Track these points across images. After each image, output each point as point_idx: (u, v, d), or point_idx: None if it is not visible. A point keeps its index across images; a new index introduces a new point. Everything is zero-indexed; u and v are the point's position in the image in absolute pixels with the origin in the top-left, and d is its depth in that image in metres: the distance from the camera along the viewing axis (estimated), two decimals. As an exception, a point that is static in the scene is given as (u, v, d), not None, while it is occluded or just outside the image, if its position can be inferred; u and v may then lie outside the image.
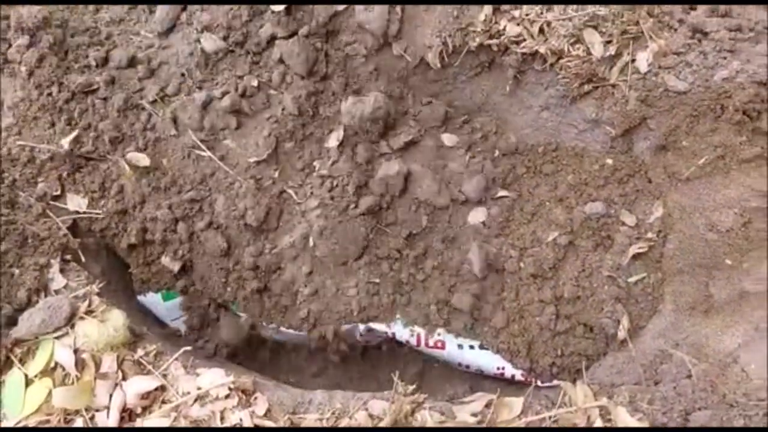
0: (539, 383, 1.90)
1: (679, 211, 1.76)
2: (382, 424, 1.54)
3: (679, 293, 1.77)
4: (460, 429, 1.53)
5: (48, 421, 1.53)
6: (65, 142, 1.80)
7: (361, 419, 1.57)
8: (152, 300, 2.01)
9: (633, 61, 1.71)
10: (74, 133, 1.80)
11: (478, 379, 2.06)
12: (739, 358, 1.59)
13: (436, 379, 2.15)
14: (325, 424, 1.58)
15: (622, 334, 1.81)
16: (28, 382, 1.56)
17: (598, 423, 1.54)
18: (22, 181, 1.78)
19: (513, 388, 1.92)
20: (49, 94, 1.78)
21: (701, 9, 1.66)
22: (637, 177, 1.86)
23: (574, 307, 1.90)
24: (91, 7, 1.94)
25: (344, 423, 1.57)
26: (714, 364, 1.60)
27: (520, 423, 1.56)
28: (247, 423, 1.54)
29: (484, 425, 1.54)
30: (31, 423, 1.52)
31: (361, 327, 1.97)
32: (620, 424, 1.52)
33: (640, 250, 1.81)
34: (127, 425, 1.55)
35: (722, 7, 1.64)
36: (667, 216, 1.79)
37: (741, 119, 1.58)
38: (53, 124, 1.80)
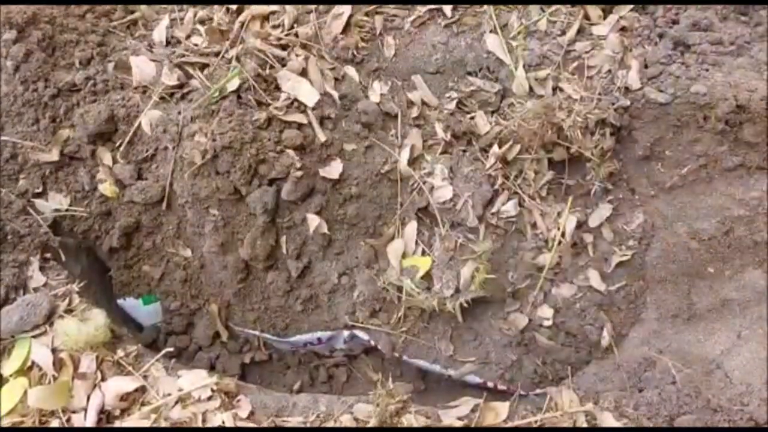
0: (521, 392, 1.90)
1: (662, 220, 1.79)
2: (367, 427, 1.52)
3: (661, 301, 1.79)
4: (454, 429, 1.51)
5: (22, 422, 1.49)
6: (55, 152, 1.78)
7: (346, 423, 1.55)
8: (131, 304, 1.97)
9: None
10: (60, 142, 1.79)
11: (458, 389, 2.04)
12: (722, 364, 1.61)
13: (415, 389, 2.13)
14: (309, 427, 1.55)
15: (605, 341, 1.83)
16: (3, 382, 1.52)
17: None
18: (4, 177, 1.74)
19: (495, 397, 1.91)
20: (35, 90, 1.75)
21: (684, 23, 1.72)
22: (619, 186, 1.89)
23: (556, 315, 1.91)
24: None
25: (329, 426, 1.55)
26: (698, 370, 1.62)
27: (507, 427, 1.56)
28: (230, 426, 1.51)
29: (471, 428, 1.53)
30: (5, 423, 1.47)
31: (345, 333, 1.95)
32: (606, 428, 1.53)
33: (623, 258, 1.83)
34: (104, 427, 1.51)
35: (704, 21, 1.69)
36: (649, 224, 1.82)
37: (723, 129, 1.63)
38: (37, 121, 1.77)
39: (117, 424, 1.52)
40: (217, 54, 1.85)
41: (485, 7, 1.97)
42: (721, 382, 1.58)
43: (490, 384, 1.93)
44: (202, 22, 1.96)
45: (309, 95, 1.79)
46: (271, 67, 1.80)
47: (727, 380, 1.58)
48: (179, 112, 1.78)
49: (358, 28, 1.95)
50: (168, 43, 1.95)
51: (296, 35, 1.89)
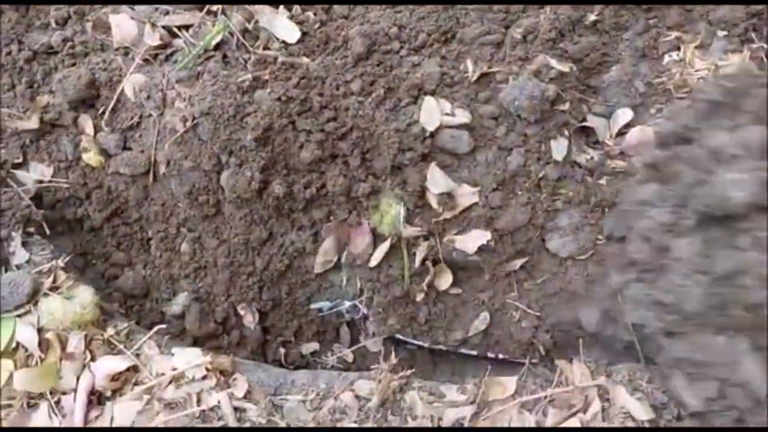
0: (533, 361, 1.83)
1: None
2: (369, 404, 1.46)
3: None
4: (457, 429, 1.45)
5: (10, 406, 1.43)
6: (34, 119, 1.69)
7: (347, 400, 1.49)
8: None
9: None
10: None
11: (465, 361, 1.97)
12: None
13: (420, 363, 2.06)
14: (308, 405, 1.49)
15: None
16: (-12, 364, 1.46)
17: (596, 402, 1.47)
18: (-21, 148, 1.66)
19: (500, 369, 1.84)
20: (8, 54, 1.65)
21: None
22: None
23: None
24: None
25: (329, 404, 1.48)
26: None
27: (514, 403, 1.49)
28: (226, 405, 1.45)
29: (476, 403, 1.46)
30: (-10, 408, 1.42)
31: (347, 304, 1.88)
32: (619, 404, 1.46)
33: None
34: (95, 409, 1.46)
35: None
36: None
37: None
38: (13, 86, 1.67)
39: (109, 405, 1.47)
40: (201, 8, 1.72)
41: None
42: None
43: (490, 355, 1.87)
44: (187, -26, 1.83)
45: (289, 31, 1.66)
46: (258, 21, 1.68)
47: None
48: (163, 75, 1.67)
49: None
50: (151, -2, 1.83)
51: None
